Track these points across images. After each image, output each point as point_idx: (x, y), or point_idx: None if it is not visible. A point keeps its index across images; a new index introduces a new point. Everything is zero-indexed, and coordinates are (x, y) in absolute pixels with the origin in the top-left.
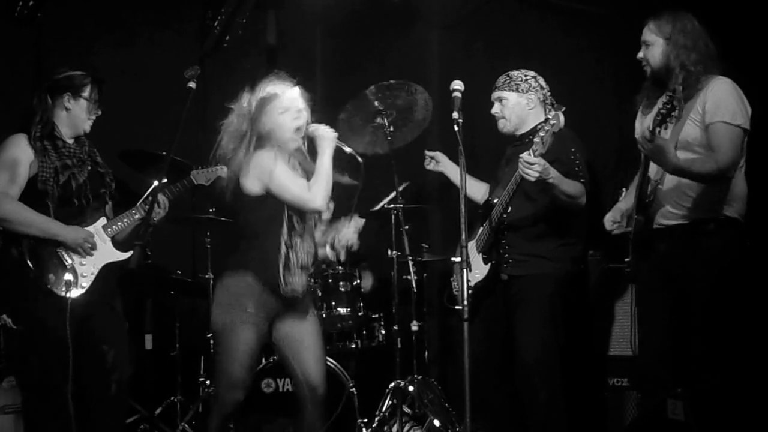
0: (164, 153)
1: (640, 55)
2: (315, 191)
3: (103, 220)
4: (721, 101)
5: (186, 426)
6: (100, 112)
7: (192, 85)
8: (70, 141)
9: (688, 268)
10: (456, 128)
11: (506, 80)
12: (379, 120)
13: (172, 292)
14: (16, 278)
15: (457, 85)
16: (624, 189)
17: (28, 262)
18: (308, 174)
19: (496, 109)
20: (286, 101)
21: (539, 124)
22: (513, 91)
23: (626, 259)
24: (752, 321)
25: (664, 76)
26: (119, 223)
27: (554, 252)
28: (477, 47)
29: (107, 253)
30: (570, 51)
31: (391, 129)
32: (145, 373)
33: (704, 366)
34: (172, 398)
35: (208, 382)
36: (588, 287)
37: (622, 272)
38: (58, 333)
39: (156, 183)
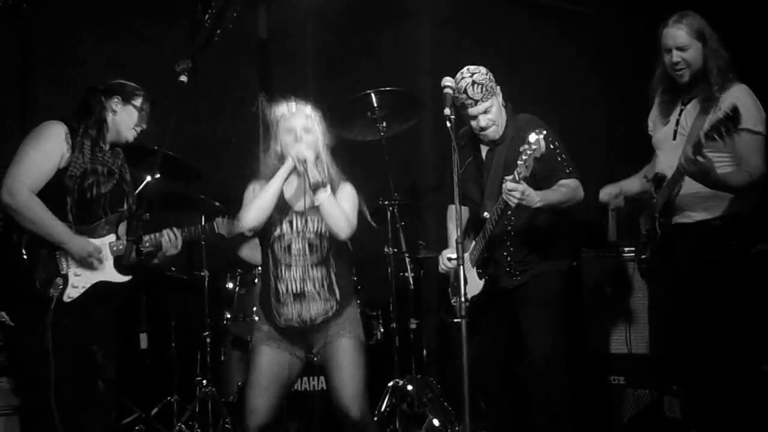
0: (156, 147)
1: (676, 59)
2: (244, 212)
3: (112, 237)
4: (744, 109)
5: (182, 426)
6: (145, 126)
7: (183, 78)
8: (107, 149)
9: (697, 264)
10: (448, 124)
11: (481, 89)
12: (370, 114)
13: (166, 290)
14: (10, 272)
15: (448, 81)
16: None
17: (23, 255)
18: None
19: (484, 121)
20: (288, 122)
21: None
22: (493, 95)
23: (643, 256)
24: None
25: (693, 81)
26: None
27: (556, 249)
28: (467, 44)
29: (105, 271)
30: (559, 49)
31: (385, 124)
32: (141, 373)
33: (710, 362)
34: (169, 398)
35: (204, 381)
36: (582, 284)
37: (620, 269)
38: (43, 333)
39: (149, 178)
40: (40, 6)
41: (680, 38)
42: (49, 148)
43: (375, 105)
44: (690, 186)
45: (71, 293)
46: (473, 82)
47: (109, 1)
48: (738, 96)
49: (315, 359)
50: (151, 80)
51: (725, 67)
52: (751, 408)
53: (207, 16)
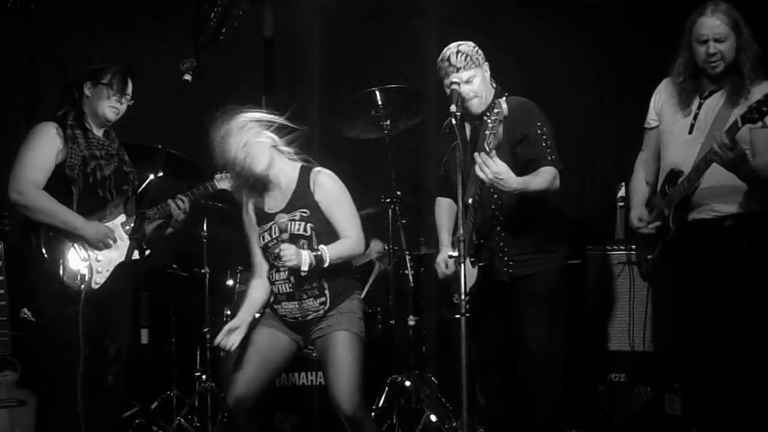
0: (159, 146)
1: (713, 50)
2: None
3: (123, 217)
4: None
5: (182, 420)
6: (127, 101)
7: (187, 77)
8: (99, 134)
9: (715, 262)
10: (454, 122)
11: (465, 58)
12: (374, 112)
13: (167, 287)
14: (33, 270)
15: (455, 78)
16: (623, 183)
17: (43, 252)
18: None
19: (466, 89)
20: None
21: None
22: (477, 66)
23: (648, 257)
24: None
25: (722, 73)
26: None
27: (553, 242)
28: (475, 41)
29: (123, 252)
30: (568, 45)
31: (388, 123)
32: (141, 367)
33: (721, 361)
34: (168, 393)
35: (204, 376)
36: (586, 280)
37: (626, 266)
38: (70, 326)
39: (152, 177)
40: (46, 5)
41: (718, 29)
42: (44, 146)
43: (379, 103)
44: (709, 179)
45: (98, 279)
46: (458, 51)
47: (114, 1)
48: (762, 91)
49: (313, 354)
50: (155, 79)
51: (756, 61)
52: (752, 407)
53: (213, 14)
